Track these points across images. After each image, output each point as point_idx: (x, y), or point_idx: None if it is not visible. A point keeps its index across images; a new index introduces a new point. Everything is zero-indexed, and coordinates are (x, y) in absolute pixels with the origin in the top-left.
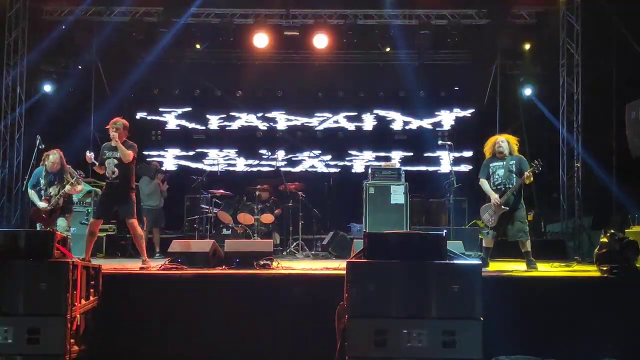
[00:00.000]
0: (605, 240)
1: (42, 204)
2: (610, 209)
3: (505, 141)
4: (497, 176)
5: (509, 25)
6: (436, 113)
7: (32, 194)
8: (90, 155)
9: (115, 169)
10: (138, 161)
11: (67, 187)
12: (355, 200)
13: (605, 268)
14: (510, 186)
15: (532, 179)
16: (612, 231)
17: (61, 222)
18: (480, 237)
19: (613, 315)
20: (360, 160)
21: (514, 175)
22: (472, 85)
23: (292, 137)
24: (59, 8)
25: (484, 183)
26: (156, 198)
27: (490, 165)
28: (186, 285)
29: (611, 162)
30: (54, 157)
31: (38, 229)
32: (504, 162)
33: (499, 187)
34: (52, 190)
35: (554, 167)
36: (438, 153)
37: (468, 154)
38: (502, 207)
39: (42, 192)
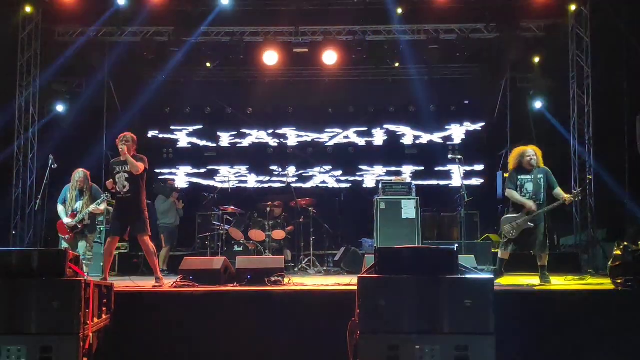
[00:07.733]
0: (618, 252)
1: (68, 220)
2: (624, 221)
3: (534, 154)
4: (525, 190)
5: (518, 38)
6: (446, 127)
7: (60, 209)
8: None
9: (126, 183)
10: (153, 180)
11: (92, 206)
12: (366, 216)
13: (619, 281)
14: (539, 202)
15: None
16: (626, 243)
17: (82, 246)
18: (493, 250)
19: (628, 328)
20: (371, 175)
21: (543, 190)
22: (482, 99)
23: (303, 153)
24: (71, 29)
25: (512, 193)
26: (172, 216)
27: (519, 177)
28: (198, 302)
29: (624, 174)
30: (78, 175)
31: (62, 242)
32: (532, 176)
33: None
34: (78, 206)
35: (566, 179)
36: (449, 167)
37: (479, 167)
38: (529, 223)
39: (69, 207)
